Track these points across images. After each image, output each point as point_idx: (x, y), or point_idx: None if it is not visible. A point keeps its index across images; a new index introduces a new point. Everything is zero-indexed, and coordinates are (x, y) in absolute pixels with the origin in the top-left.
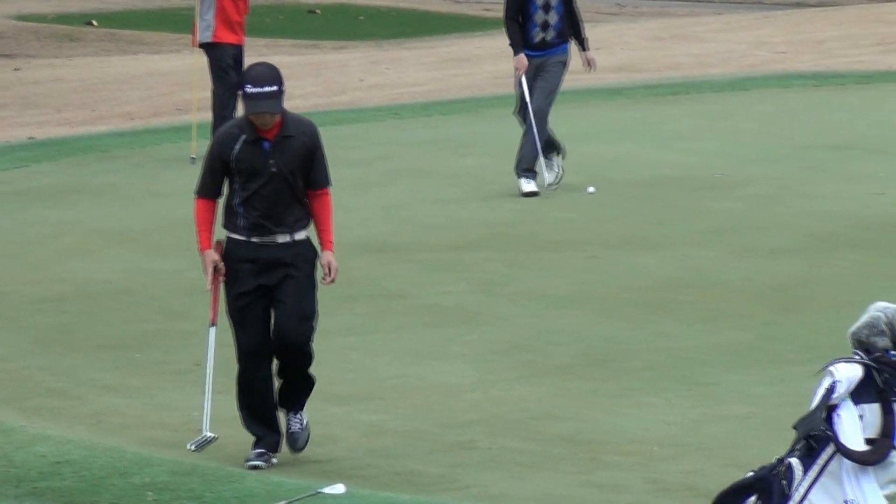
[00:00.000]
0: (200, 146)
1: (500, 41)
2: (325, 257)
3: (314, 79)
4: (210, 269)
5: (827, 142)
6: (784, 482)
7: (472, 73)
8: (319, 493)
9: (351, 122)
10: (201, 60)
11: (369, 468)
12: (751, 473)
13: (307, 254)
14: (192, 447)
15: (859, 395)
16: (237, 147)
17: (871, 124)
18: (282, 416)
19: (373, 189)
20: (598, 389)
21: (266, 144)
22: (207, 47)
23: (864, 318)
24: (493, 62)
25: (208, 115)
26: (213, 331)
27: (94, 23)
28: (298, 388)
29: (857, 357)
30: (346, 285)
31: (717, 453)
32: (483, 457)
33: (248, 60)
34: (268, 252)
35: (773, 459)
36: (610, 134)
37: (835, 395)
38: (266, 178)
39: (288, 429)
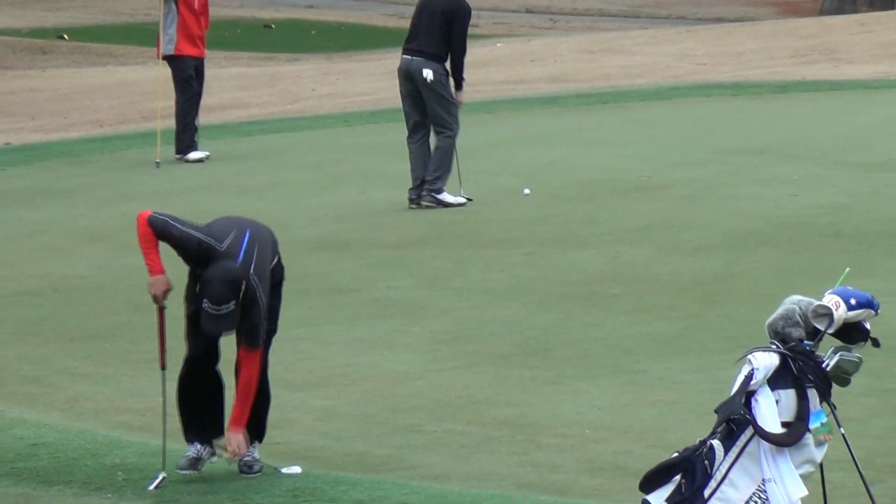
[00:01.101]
0: (165, 151)
1: None
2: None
3: (270, 89)
4: (161, 295)
5: (745, 147)
6: (706, 462)
7: None
8: (278, 472)
9: (304, 128)
10: (165, 72)
11: (322, 450)
12: (676, 454)
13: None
14: (152, 488)
15: (776, 381)
16: None
17: (786, 131)
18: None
19: (324, 191)
20: (534, 376)
21: None
22: (170, 59)
23: (779, 311)
24: None
25: (172, 123)
26: (164, 374)
27: (66, 37)
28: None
29: (774, 346)
30: (299, 280)
31: (645, 436)
32: (428, 439)
33: (208, 72)
34: None
35: (697, 441)
36: (544, 139)
37: (753, 382)
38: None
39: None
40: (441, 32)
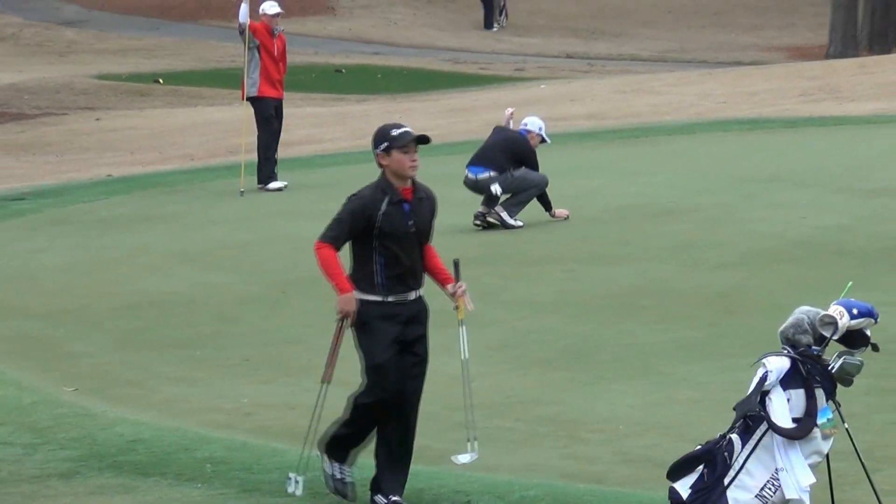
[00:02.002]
0: (248, 181)
1: (493, 94)
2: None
3: (341, 126)
4: (352, 312)
5: (759, 176)
6: (726, 454)
7: (470, 120)
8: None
9: (370, 161)
10: (248, 111)
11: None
12: (699, 447)
13: (427, 309)
14: (293, 491)
15: (787, 382)
16: (382, 208)
17: (795, 161)
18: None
19: None
20: (574, 378)
21: (406, 206)
22: (253, 100)
23: (790, 319)
24: (486, 111)
25: (254, 156)
26: (324, 388)
27: (161, 81)
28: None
29: (786, 351)
30: None
31: (672, 430)
32: (481, 435)
33: (286, 111)
34: (406, 309)
35: (718, 435)
36: (583, 170)
37: (767, 383)
38: (406, 238)
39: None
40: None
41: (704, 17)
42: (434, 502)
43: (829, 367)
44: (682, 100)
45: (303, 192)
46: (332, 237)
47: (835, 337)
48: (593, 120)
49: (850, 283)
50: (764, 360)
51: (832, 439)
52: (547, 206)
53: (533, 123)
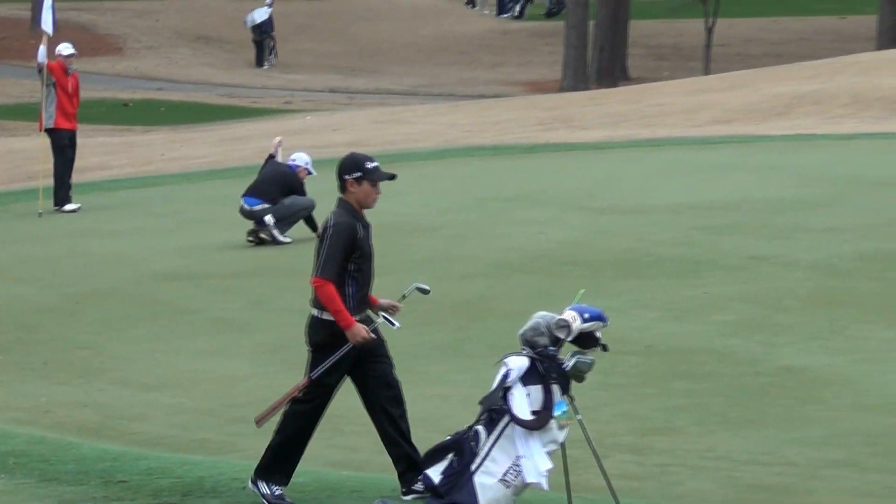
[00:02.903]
0: (46, 204)
1: (264, 125)
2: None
3: (128, 154)
4: (367, 336)
5: (502, 196)
6: (473, 443)
7: (243, 148)
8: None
9: (155, 185)
10: (45, 141)
11: (171, 437)
12: (449, 437)
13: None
14: None
15: (526, 379)
16: (360, 232)
17: (534, 183)
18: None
19: (171, 234)
20: None
21: (369, 228)
22: (50, 131)
23: (529, 323)
24: (258, 140)
25: (51, 181)
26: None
27: None
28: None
29: (525, 352)
30: (154, 304)
31: (426, 422)
32: (255, 428)
33: (80, 141)
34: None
35: (465, 427)
36: None
37: (509, 380)
38: (370, 257)
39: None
40: None
41: (451, 56)
42: (213, 489)
43: (564, 366)
44: (432, 129)
45: (95, 213)
46: (331, 273)
47: (568, 339)
48: (353, 147)
49: (582, 290)
50: (505, 360)
51: (567, 429)
52: (313, 227)
53: (300, 159)
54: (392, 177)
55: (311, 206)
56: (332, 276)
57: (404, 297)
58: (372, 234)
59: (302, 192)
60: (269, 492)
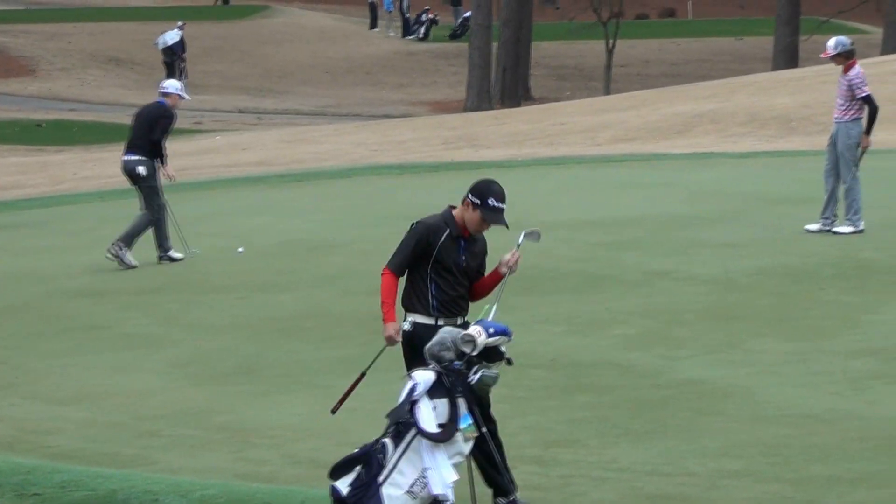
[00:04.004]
0: None
1: (174, 144)
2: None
3: (41, 173)
4: (394, 339)
5: (407, 213)
6: (381, 456)
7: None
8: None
9: (68, 203)
10: None
11: (83, 450)
12: (357, 450)
13: None
14: None
15: (433, 393)
16: (442, 239)
17: (438, 200)
18: None
19: (83, 251)
20: (246, 391)
21: (463, 243)
22: None
23: (436, 338)
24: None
25: None
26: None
27: None
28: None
29: (432, 366)
30: (66, 319)
31: (333, 436)
32: (166, 441)
33: None
34: None
35: (373, 440)
36: (253, 210)
37: (416, 394)
38: (452, 271)
39: None
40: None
41: (357, 77)
42: (125, 501)
43: (470, 380)
44: (339, 148)
45: (8, 231)
46: (396, 264)
47: (474, 353)
48: (263, 166)
49: (487, 306)
50: (412, 374)
51: (472, 442)
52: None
53: (171, 86)
54: (503, 224)
55: (152, 222)
56: (395, 269)
57: (519, 246)
58: (475, 252)
59: (165, 124)
60: None
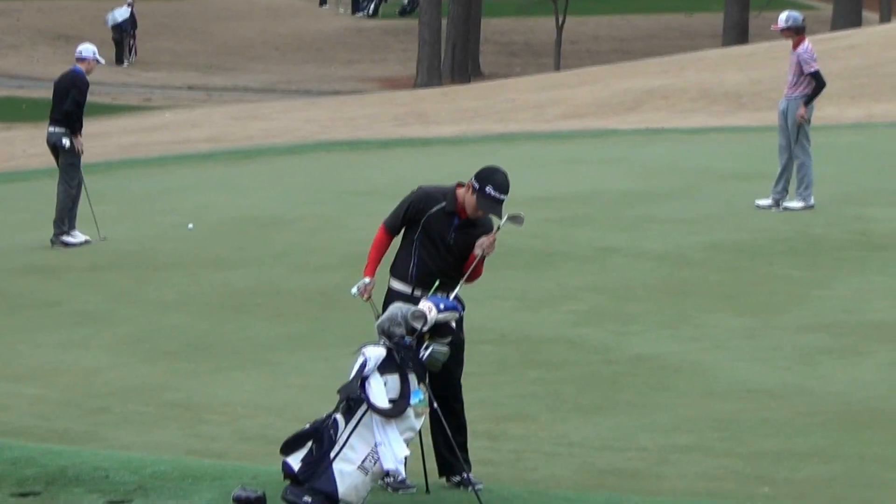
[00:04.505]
0: None
1: (124, 121)
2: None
3: None
4: (363, 294)
5: (357, 189)
6: (332, 431)
7: (106, 144)
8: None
9: (17, 181)
10: None
11: (34, 427)
12: (308, 426)
13: None
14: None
15: (384, 368)
16: (433, 210)
17: (389, 177)
18: None
19: (33, 228)
20: (197, 368)
21: (456, 221)
22: None
23: (386, 314)
24: (119, 136)
25: None
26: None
27: None
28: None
29: (382, 342)
30: (16, 296)
31: (284, 412)
32: (117, 418)
33: None
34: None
35: (324, 415)
36: (203, 186)
37: (366, 369)
38: (436, 243)
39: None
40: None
41: (307, 53)
42: (76, 478)
43: (420, 355)
44: (289, 125)
45: None
46: (389, 221)
47: (424, 329)
48: (212, 143)
49: (438, 281)
50: (363, 350)
51: (423, 417)
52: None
53: (87, 50)
54: (497, 215)
55: (70, 203)
56: (389, 225)
57: (499, 228)
58: (470, 234)
59: (77, 95)
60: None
